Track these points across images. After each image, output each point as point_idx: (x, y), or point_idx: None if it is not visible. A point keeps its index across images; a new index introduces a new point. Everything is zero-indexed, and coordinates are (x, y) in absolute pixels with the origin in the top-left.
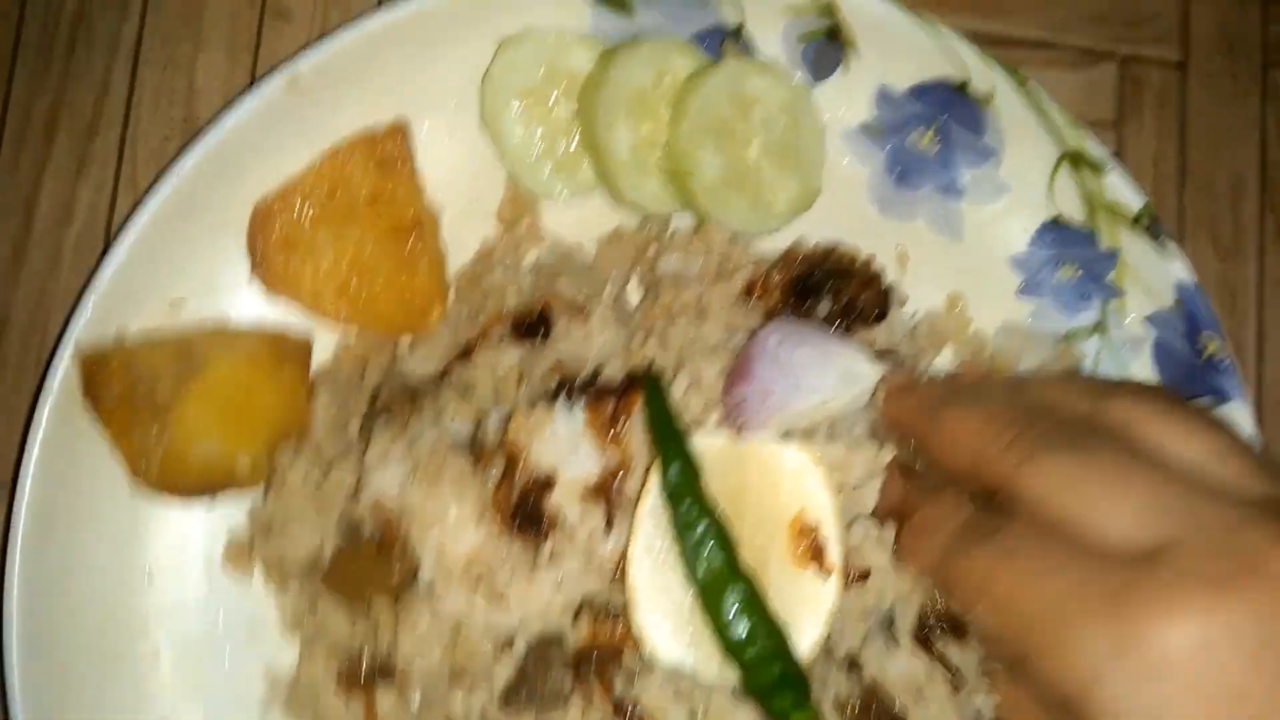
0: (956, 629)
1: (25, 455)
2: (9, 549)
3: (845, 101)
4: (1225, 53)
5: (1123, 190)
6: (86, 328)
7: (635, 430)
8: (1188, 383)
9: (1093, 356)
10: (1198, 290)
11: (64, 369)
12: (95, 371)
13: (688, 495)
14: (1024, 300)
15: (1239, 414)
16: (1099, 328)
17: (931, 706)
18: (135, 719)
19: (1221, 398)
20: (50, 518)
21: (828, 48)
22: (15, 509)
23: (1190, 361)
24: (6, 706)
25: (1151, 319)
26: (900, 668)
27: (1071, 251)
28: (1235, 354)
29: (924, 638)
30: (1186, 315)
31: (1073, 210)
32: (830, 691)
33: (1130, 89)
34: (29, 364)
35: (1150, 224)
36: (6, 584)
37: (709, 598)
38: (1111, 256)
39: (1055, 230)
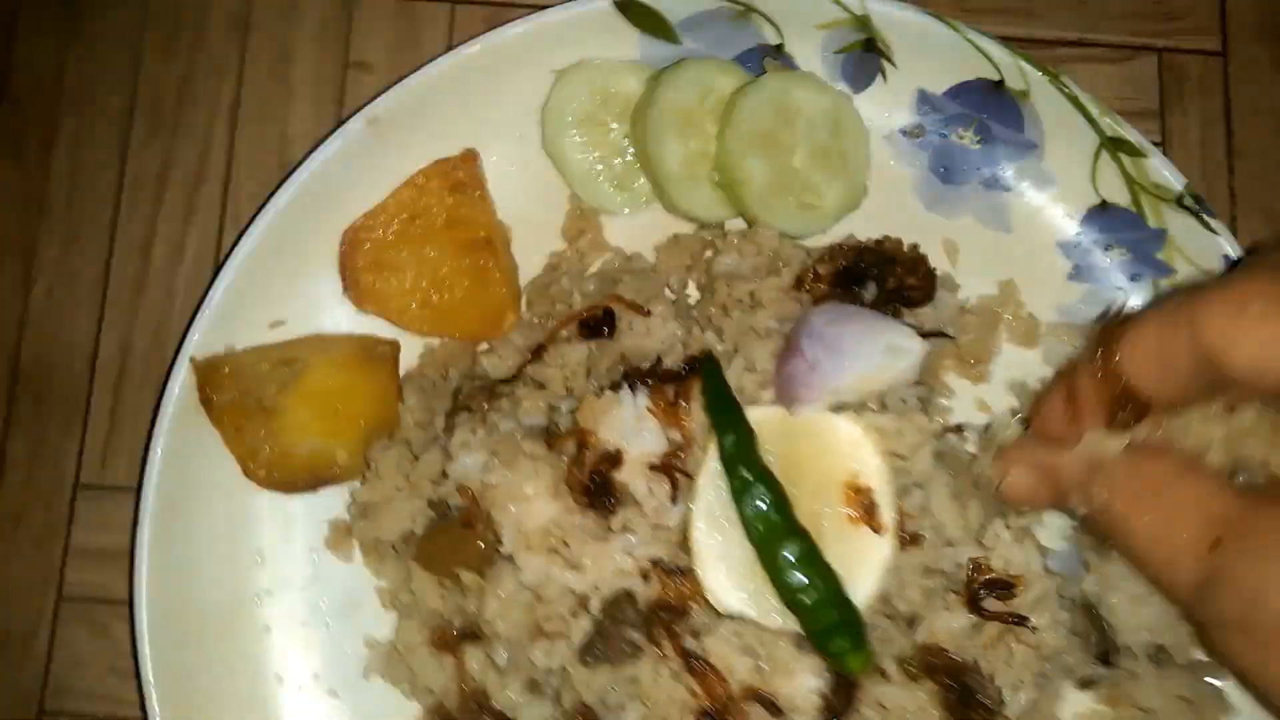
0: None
1: (149, 455)
2: (137, 539)
3: (886, 106)
4: (1264, 39)
5: (1164, 172)
6: (199, 344)
7: (695, 411)
8: None
9: None
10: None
11: (182, 377)
12: (208, 378)
13: (744, 462)
14: (1075, 284)
15: None
16: None
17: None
18: (252, 683)
19: None
20: (172, 510)
21: (865, 58)
22: (142, 503)
23: None
24: (140, 674)
25: None
26: (955, 625)
27: (1119, 234)
28: None
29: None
30: None
31: (1117, 195)
32: (893, 648)
33: (1171, 79)
34: (149, 387)
35: (1194, 202)
36: (136, 569)
37: (767, 552)
38: (1159, 236)
39: (1102, 215)
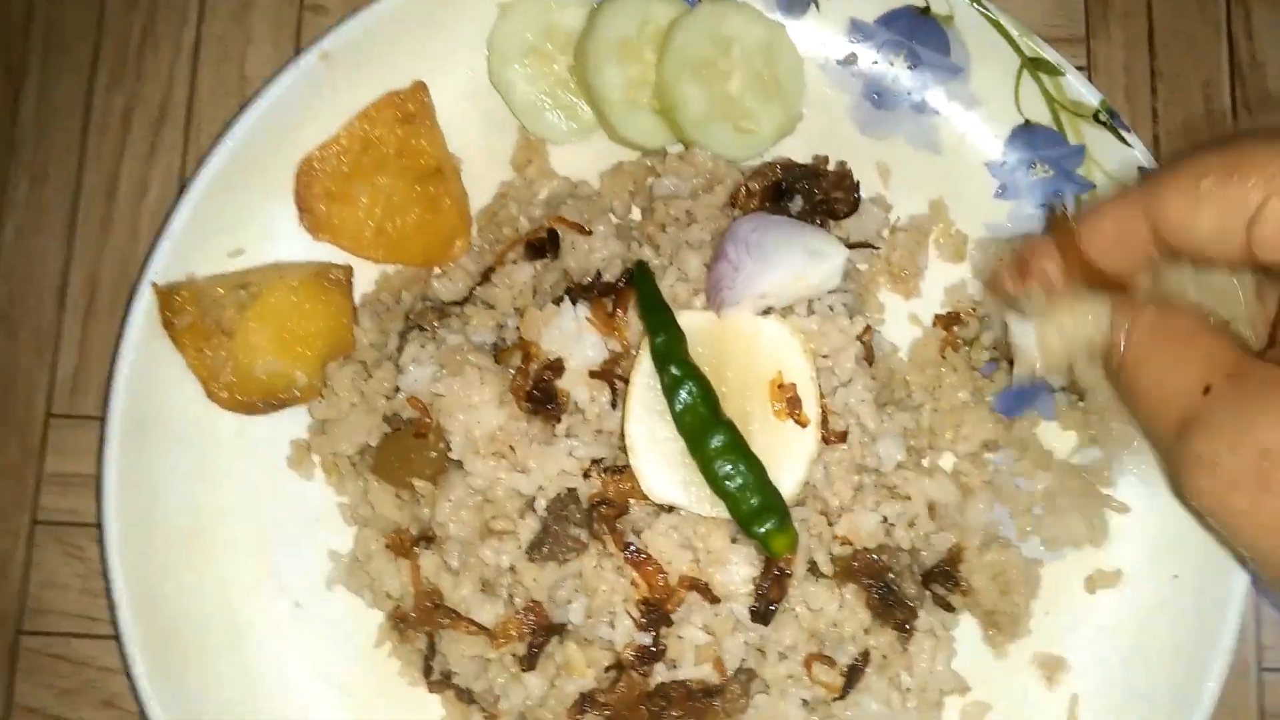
0: None
1: (114, 378)
2: (104, 460)
3: (820, 35)
4: None
5: (1080, 89)
6: (161, 272)
7: (632, 321)
8: None
9: None
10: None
11: (144, 302)
12: (168, 302)
13: (673, 359)
14: (1002, 202)
15: None
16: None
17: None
18: (220, 598)
19: None
20: (138, 432)
21: None
22: (108, 425)
23: None
24: (110, 593)
25: None
26: (871, 523)
27: (1042, 152)
28: None
29: None
30: None
31: (1039, 114)
32: (825, 549)
33: (1096, 4)
34: (116, 320)
35: (1109, 117)
36: (105, 490)
37: (695, 442)
38: (1079, 152)
39: (1025, 133)
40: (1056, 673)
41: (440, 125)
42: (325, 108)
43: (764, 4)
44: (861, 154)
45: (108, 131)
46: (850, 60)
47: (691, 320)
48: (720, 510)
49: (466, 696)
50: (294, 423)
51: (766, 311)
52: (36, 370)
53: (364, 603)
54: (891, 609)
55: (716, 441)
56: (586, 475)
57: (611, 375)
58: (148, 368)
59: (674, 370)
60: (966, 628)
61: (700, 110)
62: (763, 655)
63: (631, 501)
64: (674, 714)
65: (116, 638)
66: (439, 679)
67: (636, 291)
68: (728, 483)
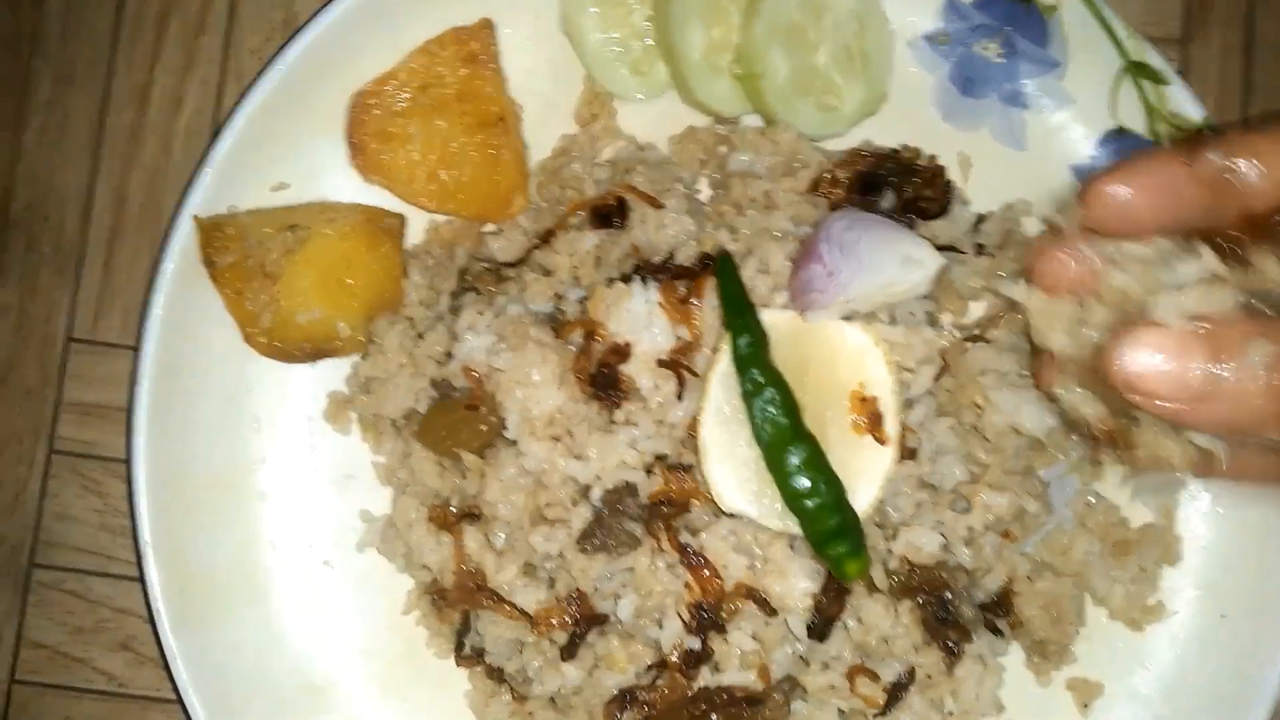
0: None
1: (149, 313)
2: (134, 399)
3: (914, 9)
4: None
5: (1184, 102)
6: (202, 202)
7: (706, 309)
8: None
9: None
10: None
11: (185, 234)
12: (212, 237)
13: (756, 364)
14: None
15: None
16: None
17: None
18: (246, 548)
19: None
20: (171, 371)
21: None
22: (140, 362)
23: None
24: (136, 534)
25: None
26: (933, 544)
27: None
28: None
29: None
30: None
31: (1135, 122)
32: (881, 563)
33: (1197, 7)
34: (144, 239)
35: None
36: (134, 428)
37: (773, 455)
38: None
39: (1118, 140)
40: (1092, 699)
41: (504, 68)
42: (383, 38)
43: None
44: (943, 142)
45: (140, 35)
46: (941, 39)
47: (772, 319)
48: (790, 524)
49: (497, 675)
50: (333, 373)
51: (849, 316)
52: (57, 289)
53: (395, 567)
54: (945, 628)
55: (796, 457)
56: (649, 471)
57: (679, 365)
58: (183, 304)
59: (756, 376)
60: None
61: (785, 81)
62: (805, 664)
63: (692, 502)
64: (714, 718)
65: (141, 581)
66: (470, 654)
67: (719, 284)
68: (805, 500)
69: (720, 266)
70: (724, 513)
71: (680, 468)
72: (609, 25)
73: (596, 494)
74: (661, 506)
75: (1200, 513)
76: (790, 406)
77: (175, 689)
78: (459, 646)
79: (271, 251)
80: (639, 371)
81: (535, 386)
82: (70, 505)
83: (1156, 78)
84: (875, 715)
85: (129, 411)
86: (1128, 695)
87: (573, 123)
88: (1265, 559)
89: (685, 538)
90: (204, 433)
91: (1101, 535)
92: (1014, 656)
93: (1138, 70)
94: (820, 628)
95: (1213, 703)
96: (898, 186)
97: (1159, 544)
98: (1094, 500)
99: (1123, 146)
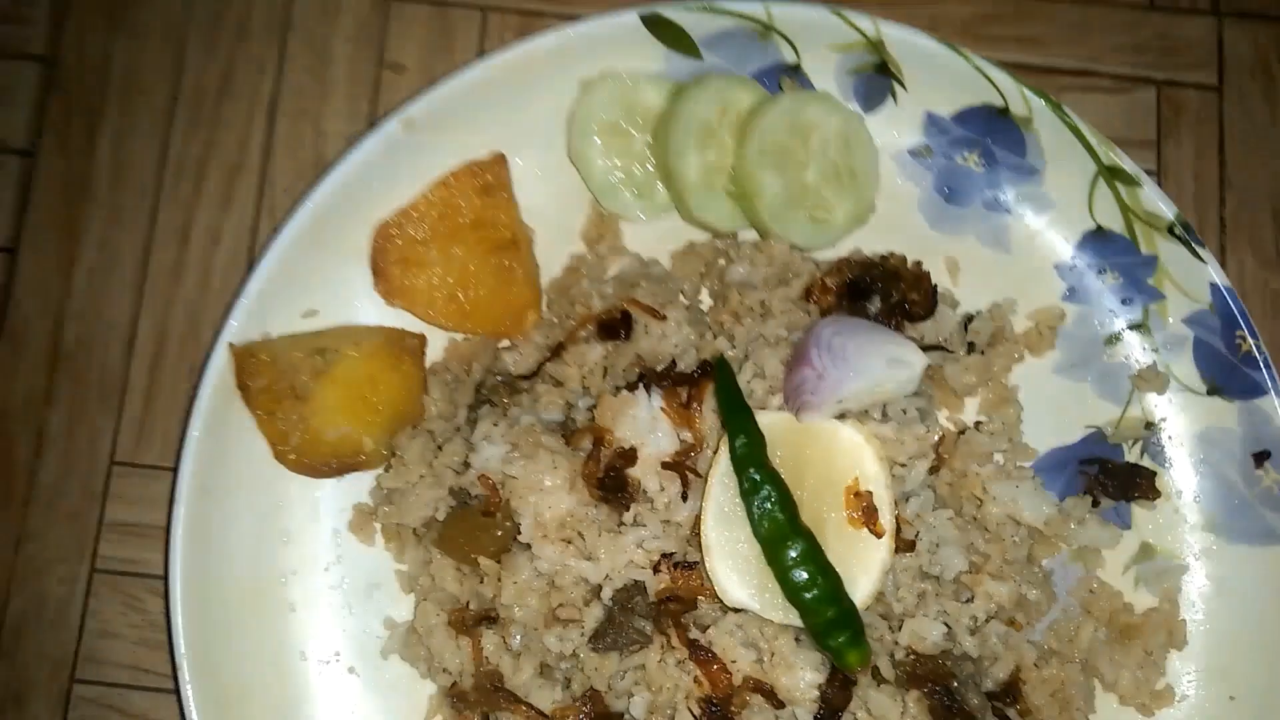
0: None
1: (187, 435)
2: (173, 515)
3: (896, 127)
4: (1260, 74)
5: (1157, 201)
6: (236, 330)
7: (707, 413)
8: (1225, 378)
9: (1137, 353)
10: (1230, 292)
11: (220, 361)
12: (246, 363)
13: (753, 463)
14: (1070, 305)
15: (1270, 408)
16: (1142, 327)
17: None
18: (277, 658)
19: (1256, 392)
20: (206, 490)
21: (877, 80)
22: (178, 481)
23: (1227, 358)
24: (172, 645)
25: (1190, 320)
26: (935, 633)
27: (1113, 259)
28: (1271, 354)
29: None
30: (1222, 315)
31: (1112, 222)
32: (888, 648)
33: (1169, 110)
34: (184, 369)
35: (1184, 231)
36: (172, 544)
37: (772, 550)
38: (1150, 262)
39: (1097, 240)
40: None
41: (516, 195)
42: (404, 173)
43: (842, 94)
44: (931, 248)
45: (182, 178)
46: (924, 152)
47: (769, 421)
48: (792, 617)
49: None
50: (358, 486)
51: (842, 415)
52: (101, 416)
53: (418, 673)
54: (953, 718)
55: (794, 551)
56: (656, 569)
57: (683, 467)
58: (218, 426)
59: (754, 475)
60: None
61: (777, 198)
62: None
63: (699, 598)
64: None
65: (176, 692)
66: None
67: (717, 389)
68: (804, 593)
69: (718, 371)
70: (730, 609)
71: (686, 565)
72: (612, 153)
73: (607, 593)
74: (669, 603)
75: (1202, 595)
76: (787, 503)
77: None
78: None
79: (301, 374)
80: (645, 474)
81: (547, 492)
82: (111, 622)
83: (1128, 179)
84: None
85: (167, 529)
86: None
87: (581, 243)
88: (1268, 640)
89: (694, 633)
90: (237, 548)
91: (1107, 621)
92: None
93: (1110, 173)
94: (827, 718)
95: None
96: (885, 291)
97: (1164, 629)
98: (1097, 586)
99: (1103, 245)
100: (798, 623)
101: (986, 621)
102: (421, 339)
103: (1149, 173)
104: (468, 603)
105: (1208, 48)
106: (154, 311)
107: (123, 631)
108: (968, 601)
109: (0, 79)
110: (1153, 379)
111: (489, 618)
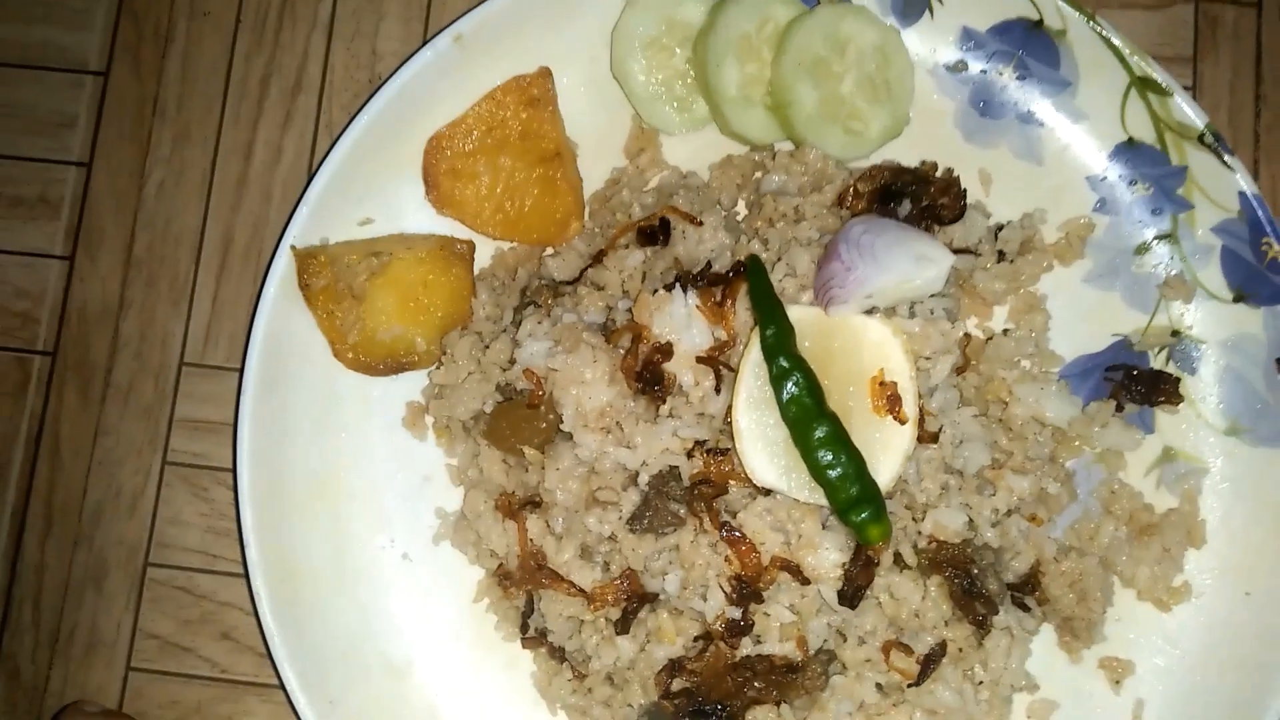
0: None
1: (252, 333)
2: (240, 408)
3: (932, 41)
4: None
5: (1187, 111)
6: (298, 236)
7: (740, 312)
8: (1252, 285)
9: (1165, 263)
10: (1259, 200)
11: (283, 264)
12: (307, 264)
13: (782, 351)
14: (1100, 216)
15: None
16: (1170, 237)
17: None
18: (337, 543)
19: None
20: (270, 384)
21: None
22: (245, 375)
23: (1254, 265)
24: (241, 532)
25: (1218, 229)
26: (957, 522)
27: (1144, 170)
28: None
29: None
30: (1250, 222)
31: (1144, 133)
32: (910, 541)
33: (1206, 26)
34: (247, 275)
35: (1214, 141)
36: (240, 433)
37: (799, 432)
38: (1181, 172)
39: (1128, 151)
40: (1123, 677)
41: (560, 109)
42: (454, 88)
43: (879, 8)
44: (965, 160)
45: (245, 97)
46: (959, 67)
47: (799, 315)
48: (817, 497)
49: (559, 654)
50: (410, 385)
51: (870, 311)
52: (172, 320)
53: (467, 559)
54: (973, 601)
55: (820, 432)
56: (690, 455)
57: (716, 361)
58: (282, 326)
59: (782, 362)
60: (1041, 631)
61: (813, 109)
62: (843, 638)
63: (730, 483)
64: (757, 685)
65: (244, 575)
66: (534, 636)
67: (749, 284)
68: (829, 471)
69: (750, 267)
70: (760, 492)
71: (718, 452)
72: (654, 68)
73: (644, 479)
74: (702, 487)
75: (1221, 496)
76: (814, 388)
77: (274, 668)
78: (524, 629)
79: (358, 275)
80: (680, 368)
81: (588, 384)
82: (180, 510)
83: (1160, 90)
84: (909, 686)
85: (235, 424)
86: (1158, 673)
87: (622, 156)
88: None
89: (724, 517)
90: (299, 441)
91: (1126, 520)
92: (1049, 639)
93: (1143, 85)
94: (851, 595)
95: (1240, 678)
96: (915, 195)
97: (1182, 527)
98: (1118, 487)
99: (1134, 157)
100: (823, 502)
101: (1008, 514)
102: (470, 245)
103: (1185, 88)
104: (513, 490)
105: None
106: (219, 222)
107: (192, 520)
108: (990, 495)
109: (77, 4)
110: (1180, 287)
111: (533, 502)
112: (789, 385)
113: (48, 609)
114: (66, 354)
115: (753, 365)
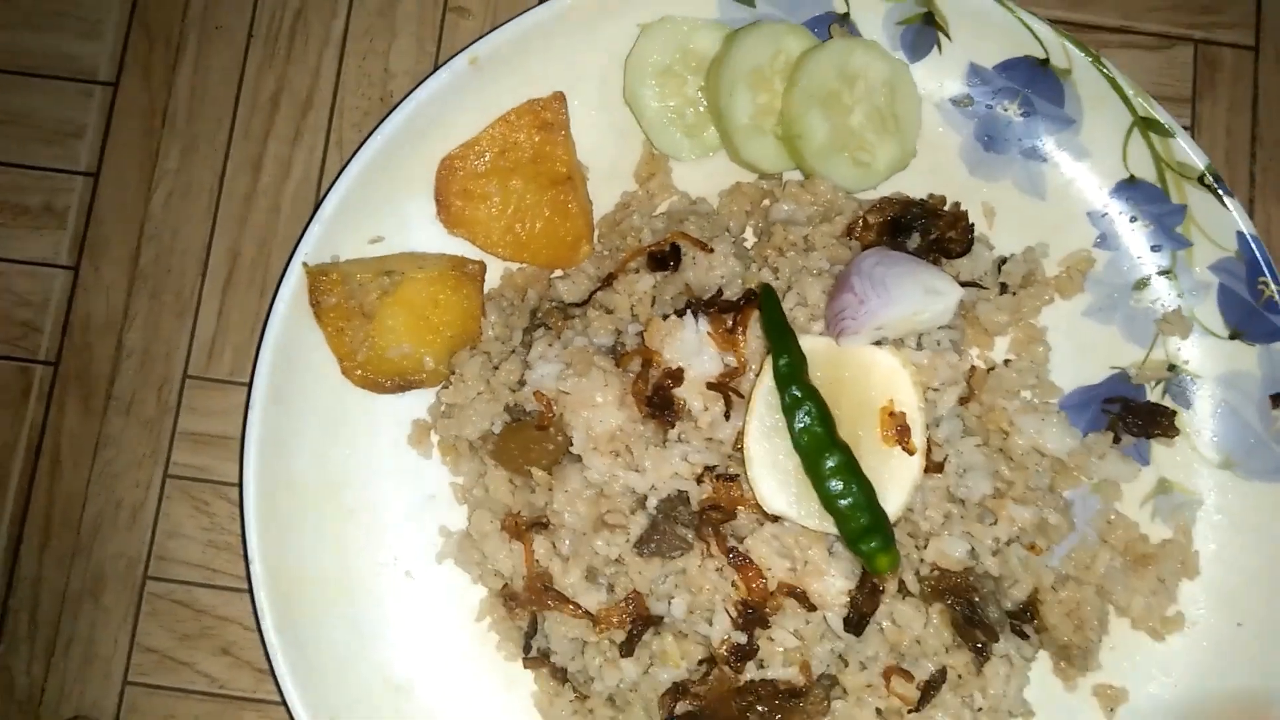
0: None
1: (263, 346)
2: (248, 420)
3: (939, 76)
4: None
5: (1188, 151)
6: (309, 252)
7: (750, 339)
8: (1247, 323)
9: (1163, 299)
10: (1256, 240)
11: (294, 280)
12: (318, 281)
13: (794, 381)
14: (1100, 251)
15: None
16: (1169, 274)
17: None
18: (340, 559)
19: (1277, 336)
20: (278, 398)
21: (924, 30)
22: (254, 389)
23: (1250, 304)
24: (245, 544)
25: (1215, 266)
26: (959, 551)
27: (1144, 207)
28: None
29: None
30: (1247, 261)
31: (1145, 171)
32: (913, 569)
33: (1205, 67)
34: (253, 289)
35: (1214, 181)
36: (246, 445)
37: (810, 461)
38: (1180, 211)
39: (1130, 188)
40: (1117, 704)
41: (572, 133)
42: (468, 110)
43: (889, 43)
44: (969, 193)
45: (256, 111)
46: (966, 102)
47: (811, 345)
48: (826, 525)
49: (561, 675)
50: (416, 403)
51: (880, 342)
52: (176, 332)
53: (470, 578)
54: (973, 629)
55: (831, 462)
56: (699, 480)
57: (726, 388)
58: (291, 341)
59: (795, 392)
60: (1037, 658)
61: (823, 140)
62: (844, 663)
63: (739, 509)
64: (760, 710)
65: (247, 589)
66: (536, 656)
67: (762, 313)
68: (839, 501)
69: (763, 296)
70: (768, 519)
71: (727, 477)
72: (666, 95)
73: (652, 502)
74: (711, 512)
75: (1214, 528)
76: (825, 418)
77: (275, 683)
78: (526, 649)
79: (369, 294)
80: (690, 394)
81: (599, 407)
82: (181, 524)
83: (1163, 130)
84: (910, 712)
85: (241, 438)
86: (1151, 701)
87: (632, 181)
88: (1276, 571)
89: (732, 542)
90: (304, 456)
91: (1122, 550)
92: (1045, 665)
93: (1145, 124)
94: (856, 622)
95: (1233, 708)
96: (924, 228)
97: (1177, 558)
98: (1115, 517)
99: (1134, 194)
100: (833, 530)
101: (1008, 544)
102: (481, 265)
103: (1184, 127)
104: (519, 511)
105: (1246, 8)
106: (226, 235)
107: (192, 533)
108: (991, 524)
109: (88, 14)
110: (1177, 323)
111: (540, 523)
112: (801, 415)
113: (45, 621)
114: (69, 364)
115: (764, 394)
